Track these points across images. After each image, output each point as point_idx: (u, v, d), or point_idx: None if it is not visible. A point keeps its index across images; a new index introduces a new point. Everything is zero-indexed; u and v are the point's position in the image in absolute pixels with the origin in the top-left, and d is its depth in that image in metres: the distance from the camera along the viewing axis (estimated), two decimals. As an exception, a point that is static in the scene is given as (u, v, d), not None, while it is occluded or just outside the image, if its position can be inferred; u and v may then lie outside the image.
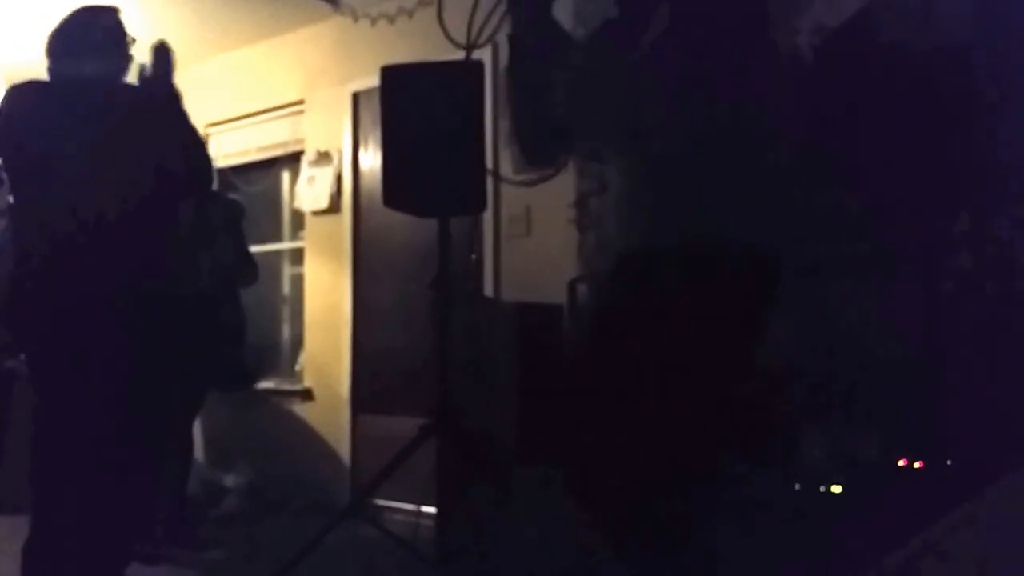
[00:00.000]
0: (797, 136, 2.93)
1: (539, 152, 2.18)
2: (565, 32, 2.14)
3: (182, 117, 3.02)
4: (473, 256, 4.75)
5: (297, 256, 6.03)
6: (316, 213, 5.66)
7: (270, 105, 6.01)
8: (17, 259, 2.93)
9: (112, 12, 3.03)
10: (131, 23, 3.09)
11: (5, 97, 2.97)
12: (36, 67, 3.00)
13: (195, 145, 3.07)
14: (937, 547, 1.89)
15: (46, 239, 2.82)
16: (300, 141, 5.85)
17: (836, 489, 2.75)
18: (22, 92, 2.93)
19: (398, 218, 4.08)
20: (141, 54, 3.03)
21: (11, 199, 3.02)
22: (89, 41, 2.95)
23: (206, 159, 3.13)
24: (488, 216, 4.52)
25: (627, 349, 1.99)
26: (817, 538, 2.55)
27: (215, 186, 5.37)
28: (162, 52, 3.02)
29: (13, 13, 5.19)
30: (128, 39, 3.03)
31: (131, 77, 3.03)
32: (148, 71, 3.00)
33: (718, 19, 1.97)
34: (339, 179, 5.52)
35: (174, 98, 3.05)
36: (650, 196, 1.97)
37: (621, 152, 2.00)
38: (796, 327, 3.05)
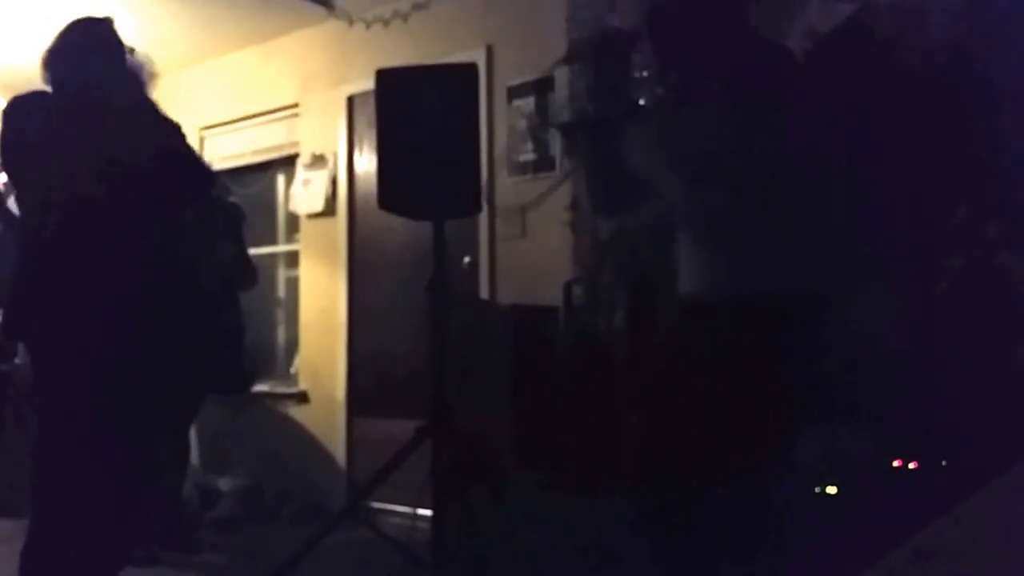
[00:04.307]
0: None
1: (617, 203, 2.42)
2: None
3: (173, 124, 3.01)
4: (468, 259, 4.75)
5: (292, 259, 6.02)
6: (311, 216, 5.65)
7: (265, 108, 6.01)
8: (22, 266, 2.93)
9: (107, 23, 3.04)
10: (126, 28, 3.09)
11: (7, 109, 2.97)
12: (34, 71, 3.01)
13: (191, 150, 3.07)
14: (932, 548, 1.89)
15: (50, 245, 2.82)
16: (295, 144, 5.85)
17: (831, 490, 2.76)
18: (24, 103, 2.93)
19: (393, 221, 4.08)
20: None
21: (17, 210, 3.03)
22: (86, 52, 2.95)
23: (202, 163, 3.13)
24: (483, 218, 4.52)
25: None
26: (812, 539, 2.56)
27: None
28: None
29: (11, 17, 5.18)
30: (125, 48, 3.03)
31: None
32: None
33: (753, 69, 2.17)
34: (334, 182, 5.52)
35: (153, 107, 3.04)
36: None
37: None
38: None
